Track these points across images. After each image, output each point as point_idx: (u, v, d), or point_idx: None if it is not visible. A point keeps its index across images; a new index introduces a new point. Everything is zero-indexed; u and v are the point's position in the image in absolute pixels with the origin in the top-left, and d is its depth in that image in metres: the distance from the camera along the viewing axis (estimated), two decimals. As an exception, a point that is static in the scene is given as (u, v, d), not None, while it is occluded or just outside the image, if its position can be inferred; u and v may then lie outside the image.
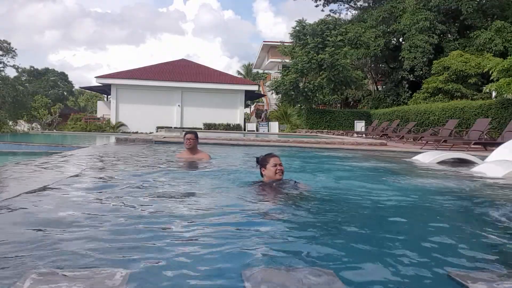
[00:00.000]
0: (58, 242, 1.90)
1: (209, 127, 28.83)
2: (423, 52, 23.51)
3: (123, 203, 2.90)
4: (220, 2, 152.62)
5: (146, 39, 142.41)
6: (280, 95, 26.75)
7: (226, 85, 31.22)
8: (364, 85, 28.28)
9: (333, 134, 19.65)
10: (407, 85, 25.63)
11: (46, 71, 56.14)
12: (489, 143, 10.29)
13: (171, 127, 26.31)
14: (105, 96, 36.64)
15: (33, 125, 35.32)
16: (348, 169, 6.08)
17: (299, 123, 26.33)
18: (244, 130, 29.54)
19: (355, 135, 19.54)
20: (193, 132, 5.89)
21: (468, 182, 4.72)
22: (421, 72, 23.81)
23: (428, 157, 7.01)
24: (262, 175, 3.76)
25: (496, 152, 6.53)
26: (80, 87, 51.45)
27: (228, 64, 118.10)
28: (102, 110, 32.41)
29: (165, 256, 1.77)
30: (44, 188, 3.21)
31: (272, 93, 30.34)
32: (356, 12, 31.98)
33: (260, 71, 54.73)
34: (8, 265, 1.60)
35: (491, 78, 15.60)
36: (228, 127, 29.16)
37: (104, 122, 30.37)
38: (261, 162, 3.77)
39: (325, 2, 31.36)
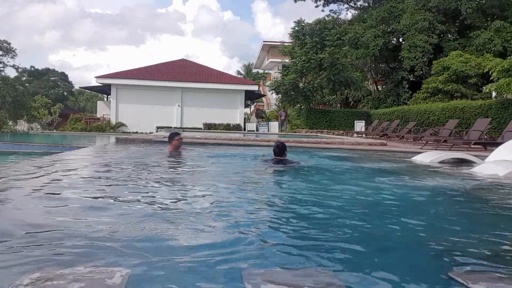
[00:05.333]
0: (58, 241, 1.90)
1: (209, 127, 28.82)
2: (422, 52, 23.51)
3: (123, 202, 2.90)
4: (220, 3, 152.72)
5: (146, 39, 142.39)
6: (280, 95, 26.77)
7: (226, 85, 31.23)
8: (363, 86, 28.26)
9: (333, 134, 19.66)
10: (407, 85, 25.61)
11: (46, 71, 56.19)
12: (489, 143, 10.29)
13: (171, 127, 26.32)
14: (105, 96, 36.66)
15: (33, 125, 35.33)
16: (347, 169, 6.08)
17: (299, 123, 26.34)
18: (244, 130, 29.54)
19: (355, 135, 19.54)
20: (179, 132, 7.33)
21: (468, 182, 4.72)
22: (421, 72, 23.81)
23: (428, 157, 7.01)
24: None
25: (496, 152, 6.53)
26: (80, 87, 51.46)
27: (228, 64, 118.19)
28: (102, 110, 32.42)
29: (165, 256, 1.77)
30: (44, 188, 3.21)
31: (272, 93, 30.34)
32: (356, 12, 31.96)
33: (260, 71, 54.77)
34: (8, 264, 1.60)
35: (491, 78, 15.60)
36: (228, 127, 29.15)
37: (104, 122, 30.37)
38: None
39: (325, 2, 31.32)
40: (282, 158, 5.45)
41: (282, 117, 26.65)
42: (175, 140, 6.93)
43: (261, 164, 5.83)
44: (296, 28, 25.48)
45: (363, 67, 28.80)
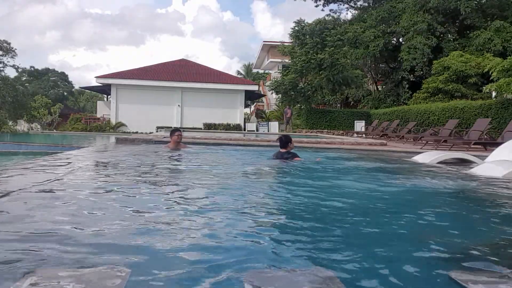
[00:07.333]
0: (57, 241, 1.90)
1: (209, 127, 28.83)
2: (421, 54, 23.52)
3: (123, 201, 2.90)
4: (219, 3, 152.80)
5: (146, 40, 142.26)
6: (280, 95, 26.75)
7: (226, 85, 31.24)
8: (364, 84, 28.24)
9: (333, 134, 19.66)
10: (407, 85, 25.61)
11: (46, 71, 56.22)
12: (489, 143, 10.29)
13: (171, 127, 26.30)
14: (105, 96, 36.68)
15: (33, 125, 35.36)
16: (347, 169, 6.08)
17: (299, 123, 26.33)
18: (244, 130, 29.55)
19: (355, 135, 19.54)
20: (180, 129, 7.99)
21: (468, 182, 4.72)
22: (421, 72, 23.81)
23: (428, 157, 7.01)
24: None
25: (496, 152, 6.53)
26: (80, 87, 51.48)
27: (228, 64, 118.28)
28: (102, 110, 32.44)
29: (165, 256, 1.77)
30: (44, 188, 3.21)
31: (272, 93, 30.34)
32: (356, 12, 31.99)
33: (260, 71, 54.79)
34: (8, 264, 1.60)
35: (491, 78, 15.61)
36: (228, 127, 29.16)
37: (104, 122, 30.38)
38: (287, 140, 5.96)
39: (325, 2, 31.34)
40: (287, 151, 5.94)
41: (288, 115, 26.23)
42: (174, 135, 7.48)
43: (263, 161, 6.01)
44: (296, 28, 25.46)
45: (363, 67, 28.80)
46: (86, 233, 2.06)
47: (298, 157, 6.01)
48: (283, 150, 6.02)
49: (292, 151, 6.08)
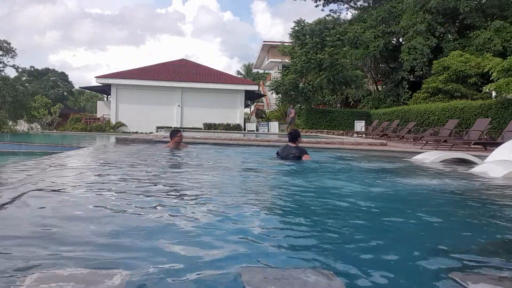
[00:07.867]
0: (57, 241, 1.90)
1: (209, 127, 28.83)
2: (421, 54, 23.52)
3: (123, 202, 2.90)
4: (219, 3, 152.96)
5: (146, 40, 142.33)
6: (280, 95, 26.74)
7: (226, 85, 31.25)
8: (364, 84, 28.24)
9: (333, 134, 19.66)
10: (407, 85, 25.61)
11: (46, 71, 56.25)
12: (489, 143, 10.29)
13: (171, 127, 26.30)
14: (105, 96, 36.68)
15: (33, 125, 35.37)
16: (347, 169, 6.08)
17: (299, 123, 26.32)
18: (244, 130, 29.55)
19: (355, 135, 19.54)
20: (180, 130, 8.17)
21: (468, 182, 4.72)
22: (421, 72, 23.81)
23: (428, 157, 7.01)
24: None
25: (496, 152, 6.52)
26: (80, 87, 51.48)
27: (228, 64, 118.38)
28: (102, 110, 32.44)
29: (165, 256, 1.77)
30: (44, 188, 3.21)
31: (272, 93, 30.34)
32: (356, 12, 32.01)
33: (260, 71, 54.82)
34: (7, 264, 1.60)
35: (491, 78, 15.61)
36: (228, 127, 29.16)
37: (104, 122, 30.39)
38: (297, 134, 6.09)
39: (325, 2, 31.36)
40: (295, 145, 6.06)
41: (292, 115, 25.95)
42: (177, 136, 7.53)
43: (265, 160, 6.13)
44: (296, 28, 25.47)
45: (363, 67, 28.81)
46: (86, 235, 2.06)
47: (307, 154, 6.01)
48: (292, 145, 6.05)
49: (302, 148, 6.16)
